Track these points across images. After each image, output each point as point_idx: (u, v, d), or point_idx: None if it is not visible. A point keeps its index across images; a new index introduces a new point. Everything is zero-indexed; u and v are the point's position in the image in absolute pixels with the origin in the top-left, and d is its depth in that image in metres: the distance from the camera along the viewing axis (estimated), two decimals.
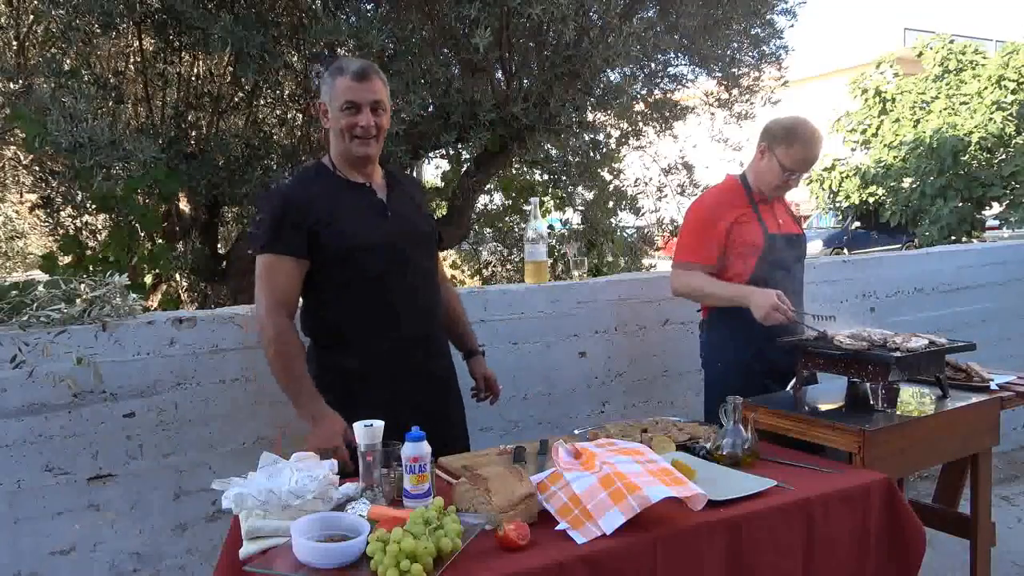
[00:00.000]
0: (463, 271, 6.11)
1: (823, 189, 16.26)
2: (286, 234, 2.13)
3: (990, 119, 13.34)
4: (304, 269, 2.17)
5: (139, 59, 4.16)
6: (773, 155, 2.72)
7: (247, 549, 1.59)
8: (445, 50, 3.75)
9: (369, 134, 2.16)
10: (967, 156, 12.99)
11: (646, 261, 5.94)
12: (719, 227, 2.73)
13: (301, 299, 2.24)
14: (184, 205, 4.46)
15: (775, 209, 2.84)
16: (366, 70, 2.16)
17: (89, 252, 3.66)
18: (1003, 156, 13.14)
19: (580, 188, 5.42)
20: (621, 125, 5.02)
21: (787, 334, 2.59)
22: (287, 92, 4.41)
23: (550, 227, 5.69)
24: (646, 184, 5.50)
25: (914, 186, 13.58)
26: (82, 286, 2.46)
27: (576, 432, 2.29)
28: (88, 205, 3.99)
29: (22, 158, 4.54)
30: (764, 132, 2.79)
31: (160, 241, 4.05)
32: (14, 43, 3.99)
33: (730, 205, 2.76)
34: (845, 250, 16.95)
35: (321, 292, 2.22)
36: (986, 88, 14.02)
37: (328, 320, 2.23)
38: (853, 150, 16.46)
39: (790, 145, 2.69)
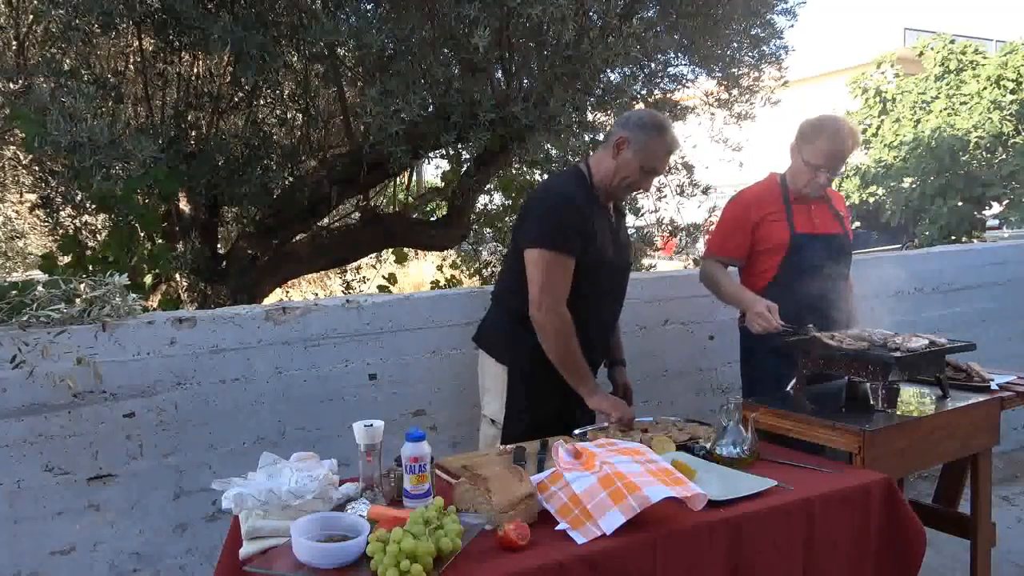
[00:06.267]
0: (463, 271, 6.11)
1: None
2: (570, 236, 2.35)
3: (988, 119, 13.33)
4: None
5: (139, 59, 4.15)
6: (800, 154, 2.73)
7: (247, 549, 1.59)
8: (445, 50, 3.75)
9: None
10: (967, 156, 12.97)
11: (646, 261, 5.92)
12: (748, 224, 2.78)
13: (513, 282, 2.44)
14: (184, 205, 4.46)
15: (812, 209, 2.81)
16: (676, 146, 2.51)
17: (89, 252, 3.65)
18: (1003, 156, 13.13)
19: None
20: None
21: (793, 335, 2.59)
22: (287, 92, 4.41)
23: None
24: None
25: (914, 186, 13.57)
26: (82, 286, 2.46)
27: (576, 432, 2.29)
28: (88, 205, 3.99)
29: (22, 158, 4.53)
30: (796, 130, 2.79)
31: (160, 241, 4.05)
32: (14, 43, 3.98)
33: (762, 203, 2.79)
34: None
35: None
36: (985, 88, 14.01)
37: None
38: None
39: (813, 141, 2.69)
